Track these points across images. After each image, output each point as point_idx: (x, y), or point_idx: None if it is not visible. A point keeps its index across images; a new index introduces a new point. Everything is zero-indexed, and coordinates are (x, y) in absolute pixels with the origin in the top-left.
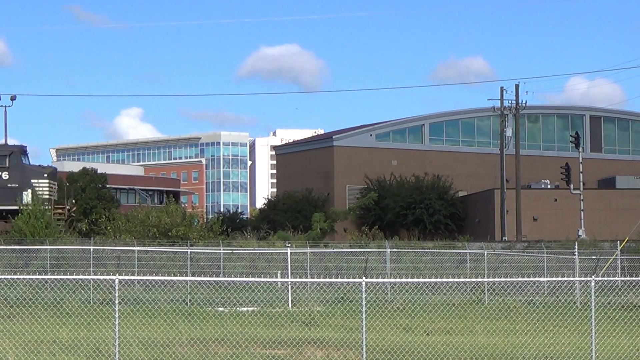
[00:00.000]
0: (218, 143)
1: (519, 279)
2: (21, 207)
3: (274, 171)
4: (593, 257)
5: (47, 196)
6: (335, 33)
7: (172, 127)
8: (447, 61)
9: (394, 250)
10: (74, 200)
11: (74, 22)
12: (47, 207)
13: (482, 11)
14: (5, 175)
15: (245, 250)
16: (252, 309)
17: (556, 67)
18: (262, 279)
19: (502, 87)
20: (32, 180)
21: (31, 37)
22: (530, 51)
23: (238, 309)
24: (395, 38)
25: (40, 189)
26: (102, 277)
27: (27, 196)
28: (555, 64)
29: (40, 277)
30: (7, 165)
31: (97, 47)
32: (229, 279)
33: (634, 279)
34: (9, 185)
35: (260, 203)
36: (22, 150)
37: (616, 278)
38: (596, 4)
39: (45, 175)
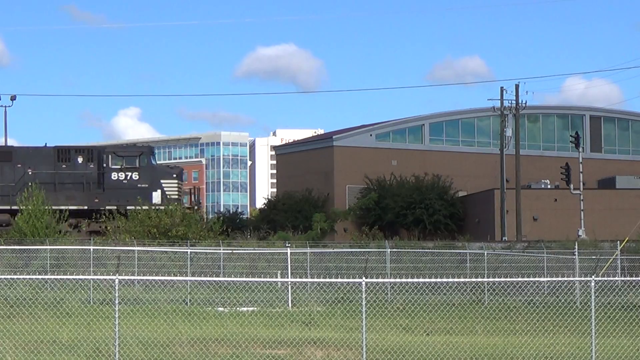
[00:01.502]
0: (218, 143)
1: (519, 279)
2: (150, 207)
3: (274, 171)
4: (593, 257)
5: (176, 196)
6: (332, 33)
7: (170, 127)
8: (443, 61)
9: (394, 250)
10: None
11: (71, 22)
12: (176, 205)
13: (478, 11)
14: (135, 176)
15: (245, 250)
16: (252, 309)
17: (553, 67)
18: (262, 279)
19: (502, 87)
20: (162, 181)
21: (29, 37)
22: (527, 51)
23: (238, 309)
24: (392, 38)
25: (170, 189)
26: (102, 277)
27: (157, 196)
28: (552, 64)
29: (40, 277)
30: (138, 165)
31: (94, 47)
32: (229, 279)
33: (634, 279)
34: (139, 185)
35: (260, 203)
36: (150, 151)
37: (616, 278)
38: (594, 4)
39: (174, 175)
